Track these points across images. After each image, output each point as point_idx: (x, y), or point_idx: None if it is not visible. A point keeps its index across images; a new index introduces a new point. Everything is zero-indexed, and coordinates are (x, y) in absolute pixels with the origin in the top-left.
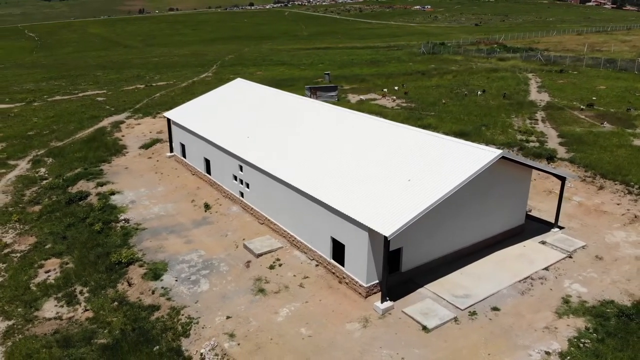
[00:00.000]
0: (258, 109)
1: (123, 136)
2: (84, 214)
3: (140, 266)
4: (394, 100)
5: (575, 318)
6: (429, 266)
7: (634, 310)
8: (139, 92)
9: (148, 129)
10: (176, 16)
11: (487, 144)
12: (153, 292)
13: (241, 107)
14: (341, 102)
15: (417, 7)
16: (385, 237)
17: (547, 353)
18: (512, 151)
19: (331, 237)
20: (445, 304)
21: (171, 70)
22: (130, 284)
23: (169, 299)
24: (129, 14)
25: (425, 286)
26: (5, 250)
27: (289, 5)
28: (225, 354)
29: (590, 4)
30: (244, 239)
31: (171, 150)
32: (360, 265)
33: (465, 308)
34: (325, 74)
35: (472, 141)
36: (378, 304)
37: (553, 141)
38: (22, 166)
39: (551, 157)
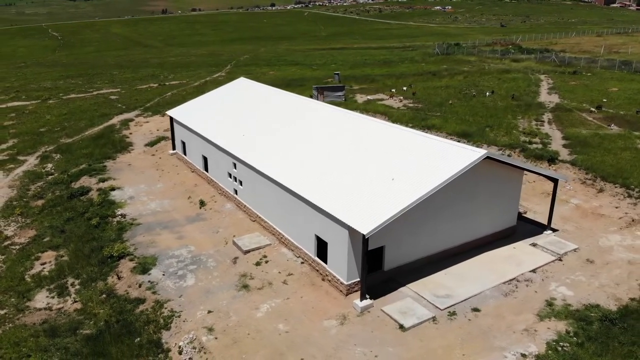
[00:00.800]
0: (256, 108)
1: (131, 134)
2: (83, 209)
3: (131, 260)
4: (401, 101)
5: (556, 321)
6: (413, 266)
7: (618, 315)
8: (152, 91)
9: (155, 127)
10: (197, 16)
11: (489, 145)
12: (140, 286)
13: (240, 106)
14: (348, 102)
15: (438, 7)
16: (364, 235)
17: (523, 355)
18: (514, 152)
19: (315, 234)
20: (425, 304)
21: (186, 69)
22: (119, 277)
23: (154, 293)
24: (152, 14)
25: (407, 285)
26: (6, 243)
27: (309, 5)
28: (202, 347)
29: (614, 5)
30: (234, 236)
31: (173, 147)
32: (341, 263)
33: (445, 308)
34: (335, 74)
35: (475, 142)
36: (357, 301)
37: (557, 143)
38: (31, 161)
39: (552, 158)
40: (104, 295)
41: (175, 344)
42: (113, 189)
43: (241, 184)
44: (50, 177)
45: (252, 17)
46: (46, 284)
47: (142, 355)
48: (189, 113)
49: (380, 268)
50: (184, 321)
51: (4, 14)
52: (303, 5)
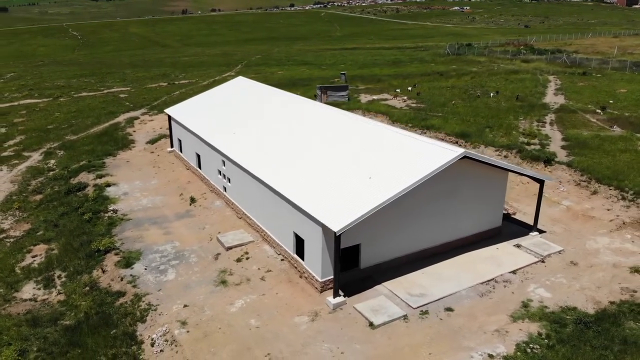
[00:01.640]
0: (249, 106)
1: (134, 131)
2: (78, 204)
3: (116, 254)
4: (405, 101)
5: (530, 323)
6: (391, 264)
7: (593, 319)
8: (161, 90)
9: (159, 125)
10: (215, 17)
11: (486, 146)
12: (122, 279)
13: (235, 104)
14: (352, 102)
15: (456, 8)
16: (335, 233)
17: (491, 356)
18: (511, 153)
19: (294, 232)
20: (398, 302)
21: (197, 69)
22: (104, 271)
23: (134, 286)
24: (172, 14)
25: (383, 283)
26: (1, 236)
27: (328, 6)
28: (174, 340)
29: (636, 6)
30: (219, 232)
31: (171, 145)
32: (316, 260)
33: (418, 307)
34: (342, 73)
35: (472, 143)
36: (330, 298)
37: (556, 144)
38: (35, 158)
39: (548, 160)
40: (87, 288)
41: (149, 336)
42: (108, 185)
43: (229, 181)
44: (51, 173)
45: (268, 17)
46: (34, 276)
47: (115, 346)
48: (186, 111)
49: (356, 266)
50: (159, 314)
51: (28, 14)
52: (322, 5)
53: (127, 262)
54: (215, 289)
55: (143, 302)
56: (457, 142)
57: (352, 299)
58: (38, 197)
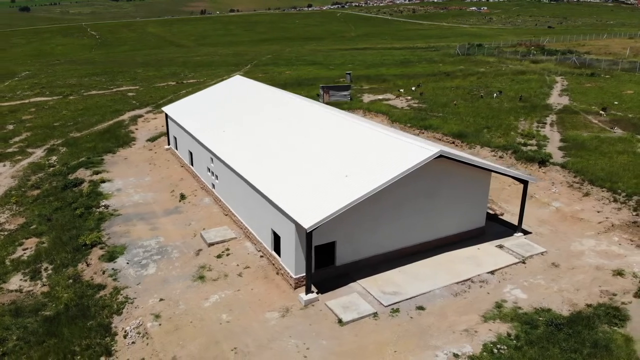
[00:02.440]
0: (241, 105)
1: (137, 129)
2: (72, 199)
3: (101, 248)
4: (407, 101)
5: (501, 323)
6: (368, 262)
7: (566, 321)
8: (168, 89)
9: (161, 123)
10: (231, 17)
11: (482, 147)
12: (104, 273)
13: (228, 103)
14: (354, 101)
15: (473, 8)
16: (306, 230)
17: (456, 355)
18: (507, 154)
19: (271, 229)
20: (370, 300)
21: (207, 68)
22: (88, 264)
23: (115, 280)
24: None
25: (358, 281)
26: None
27: (345, 7)
28: (146, 333)
29: None
30: (203, 229)
31: (168, 143)
32: (290, 257)
33: (389, 305)
34: (347, 73)
35: (469, 143)
36: (302, 295)
37: (553, 145)
38: (38, 154)
39: (543, 161)
40: (70, 281)
41: (123, 328)
42: (103, 181)
43: (217, 179)
44: (51, 169)
45: (284, 17)
46: (22, 268)
47: (90, 337)
48: (181, 109)
49: (332, 263)
50: (135, 307)
51: (49, 13)
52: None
53: (111, 256)
54: (192, 284)
55: (121, 295)
56: (453, 142)
57: (325, 296)
58: (36, 192)
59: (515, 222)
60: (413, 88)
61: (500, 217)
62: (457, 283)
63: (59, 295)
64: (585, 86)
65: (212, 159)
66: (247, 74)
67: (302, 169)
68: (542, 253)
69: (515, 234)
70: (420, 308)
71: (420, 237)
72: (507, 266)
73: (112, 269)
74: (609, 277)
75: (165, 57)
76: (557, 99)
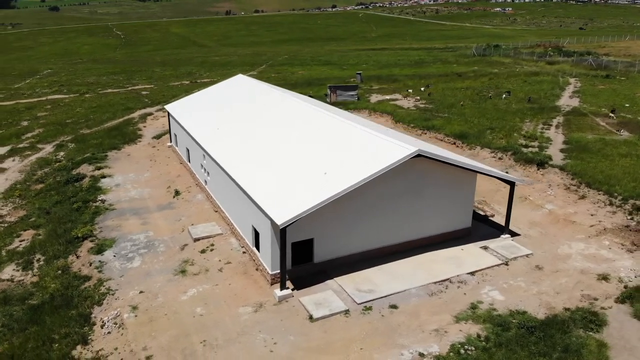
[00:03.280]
0: (238, 103)
1: (145, 127)
2: (72, 193)
3: (92, 241)
4: (415, 101)
5: (473, 324)
6: (348, 260)
7: (540, 324)
8: (182, 88)
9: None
10: (254, 18)
11: (482, 148)
12: (91, 265)
13: (226, 101)
14: (361, 101)
15: (498, 9)
16: (279, 226)
17: (422, 355)
18: (506, 155)
19: (252, 225)
20: (345, 297)
21: (222, 68)
22: (77, 257)
23: (100, 272)
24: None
25: (335, 278)
26: None
27: (369, 7)
28: (122, 324)
29: None
30: (192, 224)
31: (170, 140)
32: (267, 253)
33: (362, 302)
34: (357, 73)
35: (469, 144)
36: (277, 291)
37: (555, 147)
38: (47, 149)
39: (542, 163)
40: (59, 272)
41: (101, 318)
42: (104, 176)
43: (209, 175)
44: (57, 164)
45: (306, 18)
46: (16, 259)
47: (69, 326)
48: (182, 107)
49: (310, 260)
50: (116, 299)
51: (78, 13)
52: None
53: (100, 249)
54: (173, 277)
55: (104, 286)
56: (454, 144)
57: (301, 292)
58: (39, 186)
59: (503, 224)
60: (422, 88)
61: (491, 218)
62: (435, 283)
63: (46, 285)
64: (598, 88)
65: (204, 156)
66: (261, 74)
67: (283, 166)
68: (527, 255)
69: (502, 236)
70: (393, 307)
71: (402, 236)
72: (489, 267)
73: (99, 261)
74: (593, 282)
75: (184, 57)
76: (567, 100)
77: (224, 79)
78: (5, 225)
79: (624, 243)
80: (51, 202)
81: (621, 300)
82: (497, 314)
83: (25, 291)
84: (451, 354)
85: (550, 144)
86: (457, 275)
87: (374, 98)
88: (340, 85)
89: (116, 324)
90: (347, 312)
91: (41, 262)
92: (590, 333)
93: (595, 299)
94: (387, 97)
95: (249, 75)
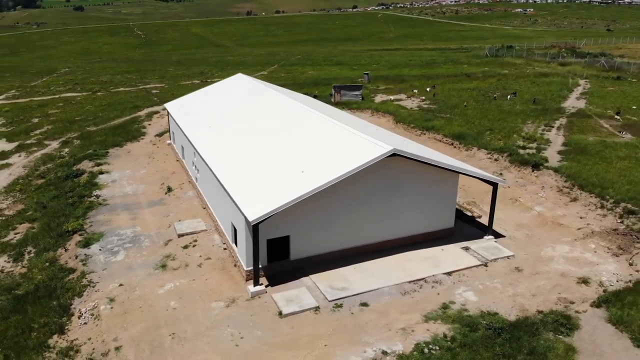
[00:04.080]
0: (234, 101)
1: (149, 124)
2: (70, 189)
3: (81, 235)
4: (419, 101)
5: (441, 324)
6: (325, 258)
7: (509, 326)
8: (191, 87)
9: None
10: (273, 18)
11: (479, 148)
12: (76, 258)
13: (223, 100)
14: (365, 101)
15: (519, 10)
16: (250, 223)
17: (385, 353)
18: (502, 157)
19: (231, 222)
20: (317, 294)
21: (235, 68)
22: (66, 250)
23: (85, 265)
24: (237, 15)
25: (310, 276)
26: None
27: (390, 7)
28: (98, 315)
29: None
30: (179, 220)
31: (170, 138)
32: (242, 250)
33: (333, 300)
34: (365, 73)
35: (466, 144)
36: (250, 287)
37: (553, 149)
38: (53, 146)
39: (536, 164)
40: (47, 264)
41: (79, 309)
42: (102, 172)
43: (198, 172)
44: (60, 160)
45: (324, 19)
46: (9, 251)
47: (49, 316)
48: (180, 105)
49: (287, 257)
50: (96, 291)
51: (102, 13)
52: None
53: (87, 242)
54: (153, 272)
55: (86, 279)
56: (452, 144)
57: (276, 289)
58: (40, 181)
59: (496, 225)
60: (428, 89)
61: (478, 219)
62: (409, 282)
63: (33, 276)
64: (607, 89)
65: (194, 153)
66: (271, 74)
67: (265, 163)
68: (508, 257)
69: (486, 237)
70: (364, 304)
71: (381, 235)
72: (467, 268)
73: (85, 254)
74: (572, 285)
75: (199, 57)
76: (573, 102)
77: None
78: (3, 218)
79: (611, 247)
80: (49, 197)
81: (597, 304)
82: (468, 314)
83: (12, 281)
84: (415, 353)
85: (549, 145)
86: (433, 275)
87: (379, 98)
88: (345, 85)
89: (93, 315)
90: (317, 308)
91: (32, 255)
92: (560, 337)
93: (572, 303)
94: (392, 97)
95: (259, 75)
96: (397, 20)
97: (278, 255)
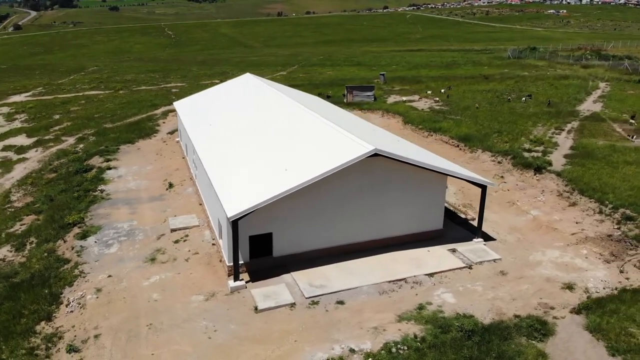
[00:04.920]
0: (236, 100)
1: (164, 122)
2: (77, 183)
3: (80, 227)
4: (431, 103)
5: (414, 324)
6: (309, 256)
7: (481, 329)
8: (209, 86)
9: None
10: (301, 19)
11: (483, 151)
12: (72, 249)
13: (227, 99)
14: (378, 102)
15: (551, 11)
16: (229, 219)
17: (352, 350)
18: (505, 159)
19: (217, 218)
20: (295, 291)
21: (256, 68)
22: (65, 241)
23: (79, 256)
24: (267, 16)
25: (291, 273)
26: (6, 205)
27: (421, 8)
28: (84, 304)
29: None
30: (175, 216)
31: (179, 135)
32: (225, 245)
33: (310, 297)
34: (381, 74)
35: (472, 147)
36: (230, 281)
37: (560, 153)
38: (70, 142)
39: (539, 168)
40: (45, 254)
41: (68, 298)
42: (109, 168)
43: (197, 169)
44: (73, 155)
45: (352, 19)
46: (12, 241)
47: (39, 303)
48: (187, 104)
49: (270, 254)
50: (86, 281)
51: (136, 13)
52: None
53: (84, 234)
54: (142, 264)
55: (78, 269)
56: (457, 146)
57: (256, 285)
58: (52, 175)
59: (488, 228)
60: (442, 90)
61: (471, 222)
62: (389, 282)
63: (31, 265)
64: (626, 93)
65: (194, 151)
66: (290, 74)
67: (255, 161)
68: (494, 260)
69: (475, 240)
70: (340, 302)
71: (366, 235)
72: (450, 270)
73: (81, 246)
74: (556, 290)
75: (224, 57)
76: (589, 105)
77: None
78: (12, 209)
79: (603, 253)
80: (57, 190)
81: (577, 311)
82: (442, 316)
83: (11, 270)
84: (382, 352)
85: (556, 149)
86: (414, 276)
87: (392, 99)
88: (358, 85)
89: (79, 304)
90: (293, 305)
91: (33, 245)
92: (533, 342)
93: (552, 308)
94: (405, 98)
95: (278, 75)
96: (426, 20)
97: (260, 251)
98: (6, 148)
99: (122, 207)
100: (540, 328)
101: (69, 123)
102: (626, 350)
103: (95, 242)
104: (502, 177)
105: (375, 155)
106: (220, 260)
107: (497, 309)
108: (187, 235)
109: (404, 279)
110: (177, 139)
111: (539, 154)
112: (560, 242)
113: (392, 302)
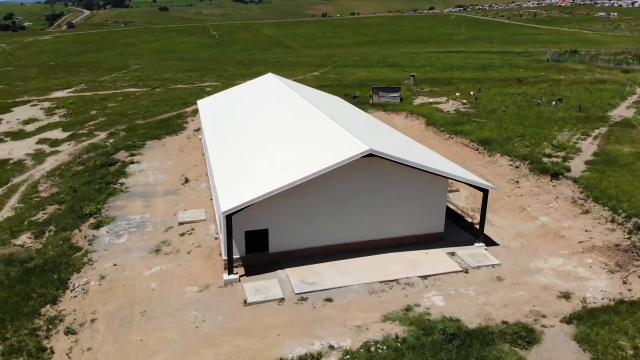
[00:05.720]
0: (254, 99)
1: (192, 120)
2: (101, 176)
3: (95, 218)
4: (458, 105)
5: (398, 325)
6: (305, 253)
7: (463, 333)
8: None
9: None
10: (343, 20)
11: (502, 155)
12: (85, 238)
13: (246, 97)
14: (402, 103)
15: (601, 14)
16: (223, 214)
17: (331, 347)
18: (523, 164)
19: (219, 212)
20: (287, 287)
21: (289, 69)
22: (80, 230)
23: (90, 244)
24: (312, 17)
25: (285, 269)
26: (33, 195)
27: (468, 9)
28: (87, 290)
29: None
30: (185, 210)
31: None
32: (222, 239)
33: (299, 293)
34: (411, 75)
35: (491, 150)
36: (225, 275)
37: (581, 159)
38: (101, 136)
39: (556, 174)
40: (61, 242)
41: (74, 284)
42: (133, 162)
43: (209, 165)
44: (101, 149)
45: (394, 20)
46: (33, 228)
47: (47, 287)
48: (209, 103)
49: (266, 250)
50: (92, 269)
51: (185, 13)
52: (462, 8)
53: (98, 225)
54: (147, 255)
55: (87, 257)
56: (477, 149)
57: (250, 279)
58: (80, 168)
59: (487, 233)
60: (471, 92)
61: (476, 226)
62: (381, 282)
63: (46, 252)
64: None
65: (206, 147)
66: (322, 74)
67: (257, 158)
68: (492, 265)
69: (476, 244)
70: (328, 300)
71: (364, 235)
72: (445, 273)
73: (93, 235)
74: (551, 298)
75: (261, 58)
76: (621, 111)
77: None
78: (38, 199)
79: (608, 263)
80: (81, 182)
81: (568, 320)
82: (428, 318)
83: (27, 256)
84: (361, 350)
85: (578, 155)
86: (407, 277)
87: (419, 100)
88: (384, 86)
89: (83, 289)
90: (281, 300)
91: (51, 233)
92: (516, 349)
93: (543, 316)
94: (432, 99)
95: (311, 76)
96: (470, 22)
97: (257, 247)
98: (41, 141)
99: (138, 200)
100: (525, 336)
101: (103, 118)
102: None
103: (107, 232)
104: (517, 182)
105: (372, 155)
106: (220, 254)
107: (486, 315)
108: (193, 229)
109: (396, 280)
110: (200, 136)
111: (559, 160)
112: (566, 250)
113: (381, 302)
